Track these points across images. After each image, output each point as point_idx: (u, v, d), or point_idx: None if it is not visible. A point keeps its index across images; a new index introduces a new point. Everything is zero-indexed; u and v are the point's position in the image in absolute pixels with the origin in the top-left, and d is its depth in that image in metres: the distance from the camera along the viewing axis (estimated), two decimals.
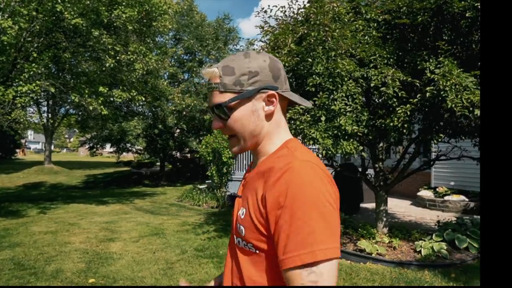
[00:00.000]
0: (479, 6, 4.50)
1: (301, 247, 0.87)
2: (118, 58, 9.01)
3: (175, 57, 16.25)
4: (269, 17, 6.05)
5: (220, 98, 1.04)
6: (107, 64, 8.86)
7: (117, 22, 8.86)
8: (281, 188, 0.92)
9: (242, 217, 1.03)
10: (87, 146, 20.83)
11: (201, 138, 16.26)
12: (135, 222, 8.08)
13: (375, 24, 5.56)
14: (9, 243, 6.19)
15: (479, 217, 6.86)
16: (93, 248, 5.97)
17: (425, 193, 10.68)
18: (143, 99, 10.09)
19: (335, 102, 4.92)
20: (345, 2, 5.63)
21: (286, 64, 5.30)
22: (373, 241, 5.93)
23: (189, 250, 5.91)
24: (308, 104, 1.19)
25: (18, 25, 8.07)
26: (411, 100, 4.97)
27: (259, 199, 0.98)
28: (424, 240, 5.94)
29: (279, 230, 0.91)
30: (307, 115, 5.09)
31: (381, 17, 5.53)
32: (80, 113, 11.77)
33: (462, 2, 4.59)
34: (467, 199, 9.63)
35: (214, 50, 16.27)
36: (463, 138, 6.48)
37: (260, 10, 5.93)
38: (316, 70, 4.84)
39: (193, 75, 16.76)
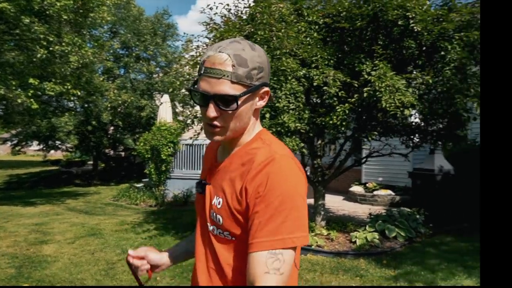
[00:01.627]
0: (410, 16, 4.92)
1: (273, 234, 0.94)
2: (51, 49, 8.41)
3: (111, 51, 15.54)
4: (214, 14, 6.06)
5: (230, 89, 0.99)
6: (39, 55, 8.23)
7: (50, 10, 8.28)
8: (262, 179, 0.98)
9: (219, 206, 1.06)
10: (9, 144, 19.17)
11: (137, 136, 15.74)
12: (69, 223, 7.64)
13: (316, 27, 5.82)
14: None
15: (406, 208, 7.47)
16: (23, 252, 5.55)
17: (356, 189, 11.34)
18: (79, 93, 9.52)
19: (279, 100, 5.08)
20: (288, 3, 5.82)
21: None
22: (312, 234, 6.21)
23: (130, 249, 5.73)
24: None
25: None
26: (349, 99, 5.29)
27: (239, 190, 1.02)
28: (359, 231, 6.34)
29: (253, 217, 0.97)
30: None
31: (321, 20, 5.80)
32: (3, 107, 10.79)
33: (395, 11, 4.97)
34: (393, 193, 10.40)
35: (152, 46, 15.82)
36: (392, 136, 7.05)
37: (206, 7, 5.93)
38: None
39: (130, 70, 16.16)
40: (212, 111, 1.02)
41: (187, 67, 7.10)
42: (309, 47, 5.41)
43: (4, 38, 9.29)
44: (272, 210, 0.95)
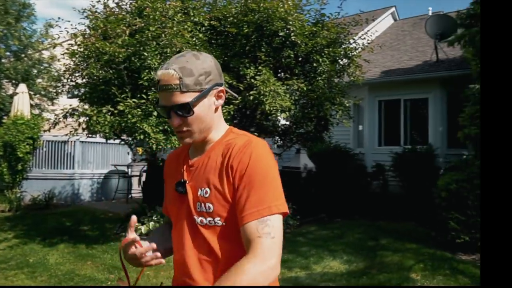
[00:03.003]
0: (290, 28, 5.44)
1: (259, 204, 1.10)
2: None
3: None
4: (97, 1, 5.66)
5: (182, 98, 1.15)
6: None
7: None
8: (244, 159, 1.15)
9: (207, 196, 1.18)
10: None
11: None
12: None
13: (203, 28, 5.95)
14: None
15: None
16: None
17: None
18: None
19: None
20: (175, 1, 5.81)
21: (121, 56, 5.12)
22: None
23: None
24: (236, 95, 1.41)
25: None
26: (233, 101, 5.56)
27: (225, 170, 1.17)
28: None
29: (240, 193, 1.13)
30: (138, 110, 5.04)
31: (207, 22, 5.95)
32: None
33: (278, 23, 5.44)
34: None
35: (2, 26, 13.61)
36: (265, 137, 7.67)
37: None
38: (151, 65, 4.86)
39: None
40: (174, 120, 1.18)
41: (47, 54, 6.50)
42: (196, 47, 5.51)
43: None
44: (256, 184, 1.12)
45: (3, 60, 14.34)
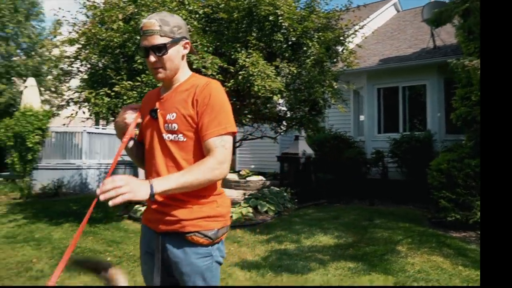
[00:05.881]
0: (279, 13, 5.64)
1: (218, 125, 1.55)
2: None
3: None
4: None
5: (160, 40, 1.55)
6: None
7: None
8: (206, 94, 1.57)
9: (173, 118, 1.60)
10: None
11: None
12: None
13: (197, 16, 6.19)
14: None
15: (275, 188, 8.38)
16: None
17: (231, 176, 12.06)
18: None
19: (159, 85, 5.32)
20: None
21: (115, 40, 5.40)
22: None
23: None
24: (195, 51, 1.80)
25: None
26: (226, 83, 5.79)
27: (190, 103, 1.58)
28: (234, 207, 6.94)
29: (203, 118, 1.55)
30: (134, 91, 5.31)
31: (202, 10, 6.19)
32: None
33: (267, 7, 5.65)
34: (264, 179, 11.40)
35: (12, 24, 14.06)
36: (263, 123, 7.90)
37: None
38: None
39: None
40: (152, 58, 1.57)
41: (57, 49, 6.85)
42: (190, 34, 5.75)
43: None
44: (215, 112, 1.56)
45: (14, 58, 14.82)
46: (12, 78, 14.65)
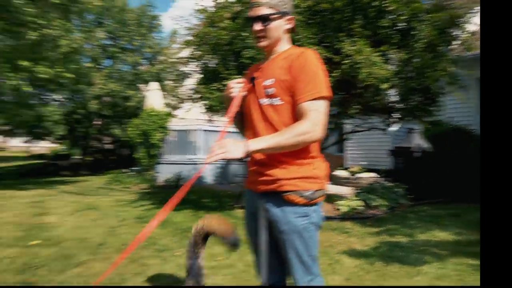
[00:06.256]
0: None
1: (312, 89, 1.62)
2: (41, 32, 8.56)
3: (97, 41, 15.62)
4: None
5: (266, 11, 1.70)
6: (33, 37, 8.37)
7: None
8: (302, 60, 1.67)
9: (271, 83, 1.71)
10: None
11: (123, 126, 15.85)
12: (65, 201, 7.91)
13: (300, 9, 6.23)
14: None
15: (387, 183, 7.99)
16: (26, 221, 5.83)
17: (340, 173, 11.84)
18: (69, 75, 9.65)
19: None
20: None
21: (224, 38, 5.75)
22: None
23: (129, 218, 6.09)
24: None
25: None
26: (331, 74, 5.73)
27: (287, 69, 1.68)
28: (343, 200, 6.82)
29: (298, 83, 1.64)
30: None
31: (304, 3, 6.21)
32: None
33: None
34: (376, 175, 10.94)
35: (137, 36, 15.98)
36: (372, 115, 7.57)
37: None
38: (250, 44, 5.37)
39: (115, 60, 16.28)
40: (256, 26, 1.73)
41: (176, 56, 7.57)
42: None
43: None
44: (309, 77, 1.63)
45: (139, 67, 16.78)
46: (139, 85, 16.59)
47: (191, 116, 9.35)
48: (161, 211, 1.67)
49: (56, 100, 14.74)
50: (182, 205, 7.25)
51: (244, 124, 1.91)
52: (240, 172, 11.89)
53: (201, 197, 8.25)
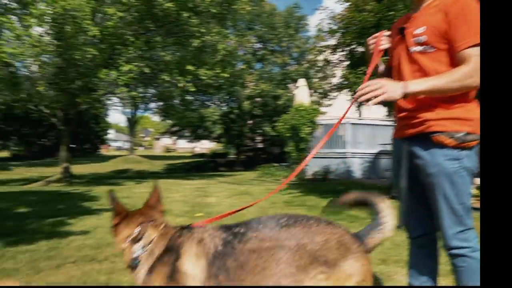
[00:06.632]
0: None
1: (474, 34, 1.48)
2: (203, 39, 9.71)
3: (248, 46, 16.86)
4: None
5: None
6: (195, 44, 9.59)
7: (202, 6, 9.57)
8: (460, 5, 1.52)
9: (423, 31, 1.60)
10: (166, 135, 22.14)
11: (274, 124, 16.63)
12: (223, 188, 8.67)
13: None
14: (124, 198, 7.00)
15: None
16: (191, 200, 6.57)
17: None
18: (228, 75, 10.67)
19: None
20: None
21: (370, 20, 5.50)
22: None
23: (278, 202, 6.28)
24: None
25: (116, 14, 9.07)
26: None
27: (442, 15, 1.55)
28: None
29: (458, 29, 1.51)
30: None
31: None
32: (163, 104, 13.03)
33: None
34: None
35: (285, 38, 16.61)
36: None
37: None
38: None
39: (265, 62, 17.24)
40: None
41: (323, 54, 7.63)
42: None
43: (167, 41, 11.01)
44: (467, 23, 1.50)
45: (288, 67, 17.39)
46: (287, 84, 17.21)
47: (338, 110, 9.22)
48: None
49: (214, 104, 16.43)
50: (330, 194, 7.14)
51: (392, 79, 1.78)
52: (390, 167, 11.19)
53: (348, 188, 7.98)
